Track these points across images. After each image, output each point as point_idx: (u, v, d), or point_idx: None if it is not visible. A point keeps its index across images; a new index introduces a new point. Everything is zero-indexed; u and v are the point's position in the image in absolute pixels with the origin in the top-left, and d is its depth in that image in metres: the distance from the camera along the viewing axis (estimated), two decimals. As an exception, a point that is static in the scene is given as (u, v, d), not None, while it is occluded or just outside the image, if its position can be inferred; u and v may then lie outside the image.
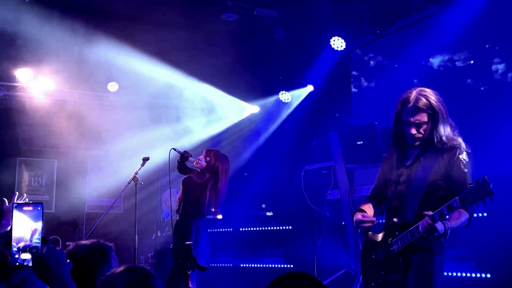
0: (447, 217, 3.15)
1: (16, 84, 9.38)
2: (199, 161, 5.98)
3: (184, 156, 6.13)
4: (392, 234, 3.41)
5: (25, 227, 1.66)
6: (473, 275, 5.55)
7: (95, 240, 2.66)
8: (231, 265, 9.43)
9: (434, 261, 3.32)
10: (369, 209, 3.64)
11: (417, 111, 3.34)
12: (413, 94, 3.39)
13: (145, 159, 6.18)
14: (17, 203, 1.70)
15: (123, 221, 9.52)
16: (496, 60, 6.80)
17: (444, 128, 3.37)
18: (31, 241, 1.65)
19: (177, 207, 5.99)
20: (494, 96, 6.69)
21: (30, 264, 1.62)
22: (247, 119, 10.50)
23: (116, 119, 9.95)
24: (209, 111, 10.51)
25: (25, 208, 1.68)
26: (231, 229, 9.59)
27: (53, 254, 1.64)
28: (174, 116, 10.33)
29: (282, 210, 9.19)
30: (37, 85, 9.35)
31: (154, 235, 8.55)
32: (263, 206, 9.62)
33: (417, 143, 3.45)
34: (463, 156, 3.34)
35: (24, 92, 9.52)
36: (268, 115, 10.16)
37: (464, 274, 5.61)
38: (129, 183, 6.05)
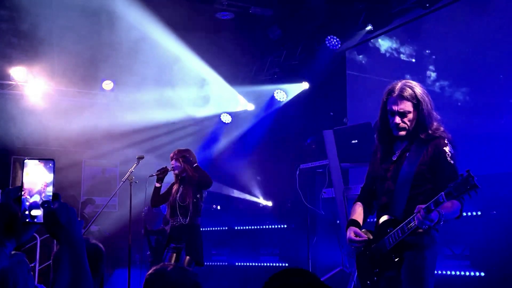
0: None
1: (10, 82, 9.34)
2: (176, 165, 5.90)
3: (163, 172, 6.03)
4: (384, 231, 3.40)
5: (37, 179, 1.61)
6: (467, 273, 5.58)
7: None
8: (226, 263, 9.42)
9: (424, 257, 3.29)
10: (360, 215, 3.62)
11: (401, 100, 3.33)
12: (398, 85, 3.38)
13: (140, 158, 6.16)
14: (29, 158, 1.66)
15: (118, 220, 9.50)
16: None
17: (429, 119, 3.35)
18: (41, 193, 1.59)
19: (191, 208, 5.78)
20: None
21: (41, 221, 1.58)
22: (242, 115, 10.46)
23: (112, 117, 9.92)
24: (205, 96, 10.42)
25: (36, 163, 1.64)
26: (226, 228, 9.59)
27: (64, 210, 1.58)
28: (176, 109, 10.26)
29: (277, 209, 9.19)
30: (32, 83, 9.31)
31: (143, 230, 8.35)
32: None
33: (402, 133, 3.39)
34: (448, 148, 3.31)
35: (19, 91, 9.48)
36: (263, 113, 10.15)
37: (458, 273, 5.63)
38: (123, 181, 6.02)
